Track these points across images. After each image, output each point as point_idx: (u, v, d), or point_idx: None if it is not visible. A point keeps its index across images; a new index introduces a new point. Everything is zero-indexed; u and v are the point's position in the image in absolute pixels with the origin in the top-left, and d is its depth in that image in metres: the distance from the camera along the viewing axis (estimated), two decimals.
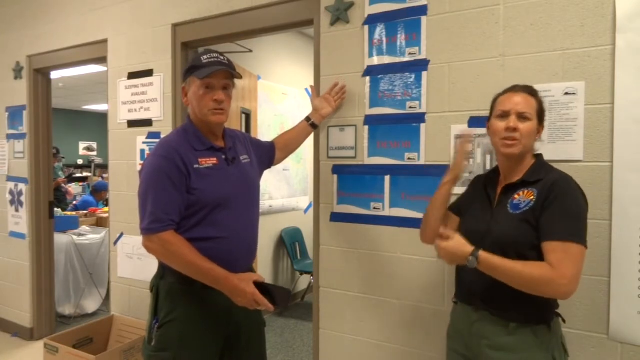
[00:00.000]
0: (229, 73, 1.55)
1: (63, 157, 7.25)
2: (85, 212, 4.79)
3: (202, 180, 1.50)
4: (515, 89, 1.35)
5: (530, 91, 1.34)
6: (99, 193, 5.26)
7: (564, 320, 1.34)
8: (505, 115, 1.30)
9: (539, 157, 1.38)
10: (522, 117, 1.29)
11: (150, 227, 1.45)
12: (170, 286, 1.53)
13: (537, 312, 1.27)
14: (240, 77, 1.60)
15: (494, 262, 1.19)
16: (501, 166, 1.39)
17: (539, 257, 1.21)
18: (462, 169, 1.47)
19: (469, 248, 1.21)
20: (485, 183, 1.44)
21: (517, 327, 1.26)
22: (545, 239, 1.21)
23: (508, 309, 1.27)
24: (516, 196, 1.30)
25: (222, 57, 1.56)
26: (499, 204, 1.34)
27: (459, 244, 1.23)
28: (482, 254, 1.20)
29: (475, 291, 1.33)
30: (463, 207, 1.48)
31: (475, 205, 1.43)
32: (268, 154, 1.90)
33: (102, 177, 8.77)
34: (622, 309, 1.52)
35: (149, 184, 1.48)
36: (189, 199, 1.48)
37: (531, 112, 1.29)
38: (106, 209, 4.76)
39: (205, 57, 1.54)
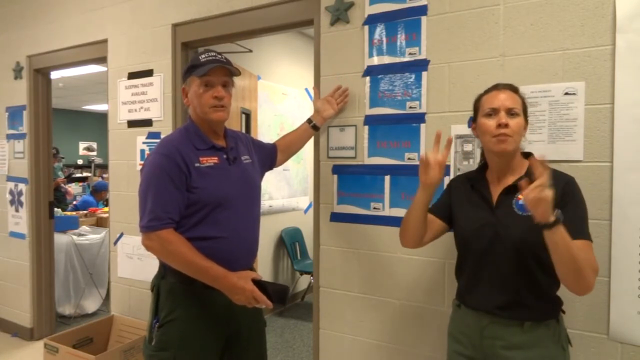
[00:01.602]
0: (227, 70, 1.56)
1: (63, 157, 7.24)
2: (85, 212, 4.79)
3: (203, 179, 1.50)
4: (498, 87, 1.35)
5: (514, 88, 1.34)
6: (99, 193, 5.25)
7: (564, 312, 1.35)
8: (494, 113, 1.30)
9: (531, 156, 1.38)
10: (511, 113, 1.29)
11: (150, 225, 1.45)
12: (171, 286, 1.53)
13: (549, 309, 1.30)
14: (238, 72, 1.60)
15: (565, 234, 1.13)
16: (493, 165, 1.38)
17: (549, 257, 1.21)
18: (437, 176, 1.36)
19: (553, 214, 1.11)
20: (472, 183, 1.42)
21: (531, 325, 1.27)
22: (572, 237, 1.19)
23: (523, 310, 1.28)
24: (520, 197, 1.29)
25: (219, 56, 1.57)
26: (500, 205, 1.32)
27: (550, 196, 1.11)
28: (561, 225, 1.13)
29: (490, 301, 1.32)
30: (452, 209, 1.45)
31: (467, 206, 1.41)
32: (269, 156, 1.91)
33: (102, 177, 8.76)
34: (622, 309, 1.52)
35: (149, 182, 1.48)
36: (190, 197, 1.48)
37: (519, 108, 1.30)
38: (106, 209, 4.76)
39: (203, 56, 1.56)
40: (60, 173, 6.05)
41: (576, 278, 1.18)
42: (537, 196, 1.09)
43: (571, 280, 1.19)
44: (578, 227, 1.22)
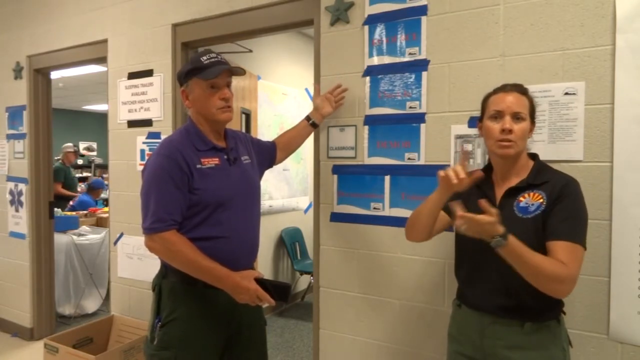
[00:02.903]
0: (230, 71, 1.57)
1: (82, 155, 7.09)
2: (85, 212, 4.79)
3: (204, 180, 1.51)
4: (506, 88, 1.34)
5: (522, 90, 1.33)
6: (96, 191, 5.15)
7: (564, 313, 1.35)
8: (499, 116, 1.30)
9: (536, 157, 1.38)
10: (516, 117, 1.28)
11: (153, 227, 1.46)
12: (172, 285, 1.54)
13: (550, 310, 1.30)
14: (243, 72, 1.61)
15: (520, 250, 1.16)
16: (497, 167, 1.38)
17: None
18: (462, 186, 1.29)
19: (501, 228, 1.14)
20: (477, 183, 1.40)
21: (532, 326, 1.27)
22: (554, 238, 1.21)
23: (524, 311, 1.28)
24: (522, 198, 1.30)
25: (219, 57, 1.58)
26: (503, 206, 1.32)
27: (493, 221, 1.14)
28: (512, 238, 1.15)
29: (491, 301, 1.32)
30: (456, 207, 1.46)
31: (471, 206, 1.40)
32: (269, 154, 1.91)
33: (102, 177, 8.71)
34: (622, 309, 1.52)
35: (151, 184, 1.49)
36: (191, 198, 1.49)
37: (525, 112, 1.30)
38: (106, 209, 4.75)
39: (204, 58, 1.56)
40: (75, 180, 5.81)
41: (541, 285, 1.19)
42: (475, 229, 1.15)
43: (539, 287, 1.19)
44: (564, 227, 1.21)
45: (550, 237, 1.22)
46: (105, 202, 5.20)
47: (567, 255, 1.18)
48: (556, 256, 1.19)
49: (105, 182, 6.08)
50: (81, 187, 6.79)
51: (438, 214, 1.40)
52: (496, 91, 1.35)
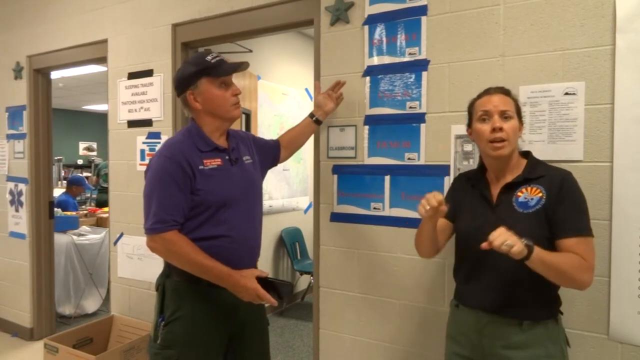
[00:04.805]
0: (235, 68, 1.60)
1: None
2: (85, 212, 4.78)
3: (206, 181, 1.51)
4: (489, 91, 1.37)
5: (505, 91, 1.36)
6: (75, 187, 4.85)
7: (561, 313, 1.36)
8: (487, 116, 1.32)
9: (529, 154, 1.39)
10: (504, 115, 1.31)
11: (154, 227, 1.47)
12: (176, 285, 1.55)
13: (548, 308, 1.31)
14: (247, 65, 1.64)
15: (546, 259, 1.17)
16: (490, 167, 1.40)
17: (551, 249, 1.24)
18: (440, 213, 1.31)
19: (524, 249, 1.14)
20: (472, 183, 1.44)
21: (530, 325, 1.28)
22: (567, 235, 1.24)
23: (521, 309, 1.29)
24: (519, 193, 1.31)
25: (222, 55, 1.60)
26: (501, 203, 1.33)
27: (515, 250, 1.13)
28: (536, 251, 1.15)
29: (488, 299, 1.32)
30: (455, 209, 1.46)
31: (467, 206, 1.42)
32: (272, 153, 1.91)
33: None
34: (622, 309, 1.52)
35: (153, 185, 1.50)
36: (194, 199, 1.50)
37: (511, 110, 1.32)
38: (106, 209, 4.74)
39: (209, 57, 1.57)
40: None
41: (566, 282, 1.24)
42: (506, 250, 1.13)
43: (564, 284, 1.25)
44: (574, 223, 1.25)
45: (563, 235, 1.25)
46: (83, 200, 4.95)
47: (583, 250, 1.22)
48: (574, 251, 1.22)
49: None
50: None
51: (435, 233, 1.41)
52: (480, 95, 1.39)
